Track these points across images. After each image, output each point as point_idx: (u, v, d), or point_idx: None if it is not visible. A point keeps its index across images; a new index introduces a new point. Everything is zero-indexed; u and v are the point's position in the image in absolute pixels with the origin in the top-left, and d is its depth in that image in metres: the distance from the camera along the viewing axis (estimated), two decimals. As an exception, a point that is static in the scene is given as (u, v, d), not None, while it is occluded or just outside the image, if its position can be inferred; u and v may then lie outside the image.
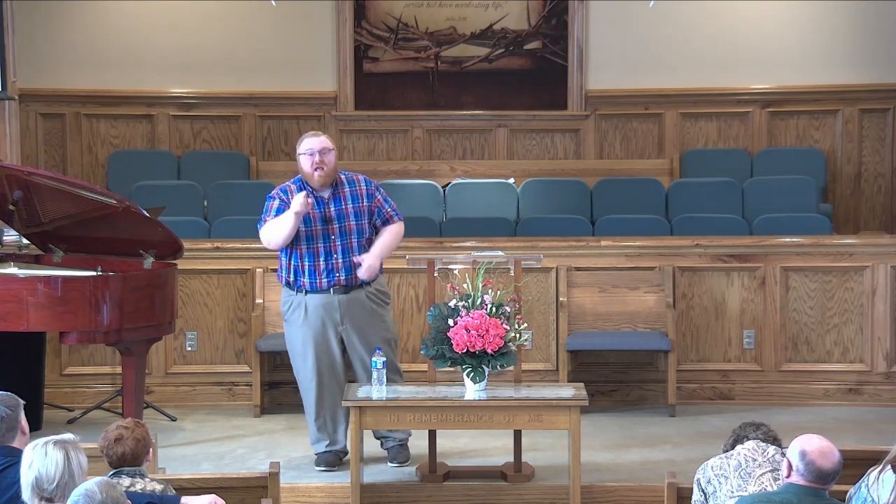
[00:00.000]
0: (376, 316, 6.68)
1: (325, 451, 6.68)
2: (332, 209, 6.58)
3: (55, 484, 4.09)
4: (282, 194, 6.61)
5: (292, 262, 6.60)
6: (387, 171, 10.32)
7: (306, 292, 6.59)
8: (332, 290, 6.57)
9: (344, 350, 6.67)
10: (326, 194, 6.60)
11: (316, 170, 6.53)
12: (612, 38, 10.84)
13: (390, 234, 6.69)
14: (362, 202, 6.64)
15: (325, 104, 10.92)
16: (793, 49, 10.79)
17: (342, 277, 6.57)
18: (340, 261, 6.56)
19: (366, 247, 6.62)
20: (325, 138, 6.60)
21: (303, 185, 6.60)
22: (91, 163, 10.82)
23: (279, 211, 6.54)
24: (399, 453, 6.74)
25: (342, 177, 6.67)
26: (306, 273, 6.57)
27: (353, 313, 6.61)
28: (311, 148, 6.55)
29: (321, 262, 6.56)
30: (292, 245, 6.55)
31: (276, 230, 6.52)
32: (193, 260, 7.68)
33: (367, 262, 6.54)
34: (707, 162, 10.59)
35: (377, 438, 6.80)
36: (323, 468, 6.66)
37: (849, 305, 8.02)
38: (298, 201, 6.39)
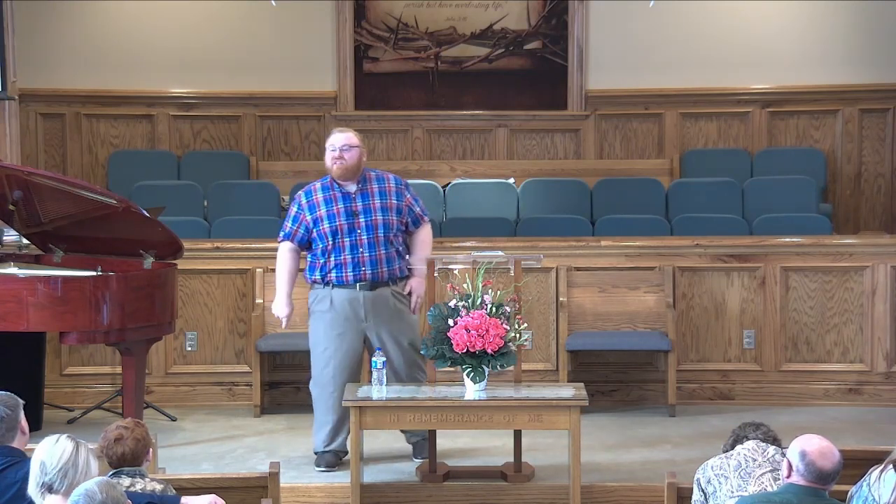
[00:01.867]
0: (402, 315, 6.71)
1: (326, 451, 6.68)
2: (359, 204, 6.65)
3: (58, 469, 4.09)
4: (303, 198, 6.71)
5: (319, 260, 6.66)
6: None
7: (333, 286, 6.63)
8: (357, 285, 6.60)
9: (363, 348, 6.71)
10: (353, 189, 6.66)
11: (335, 162, 6.62)
12: (612, 38, 10.84)
13: (425, 247, 6.79)
14: (390, 199, 6.70)
15: (325, 104, 10.92)
16: (793, 49, 10.79)
17: (368, 272, 6.61)
18: (367, 255, 6.60)
19: (393, 242, 6.66)
20: (352, 135, 6.70)
21: (331, 184, 6.68)
22: (91, 163, 10.82)
23: (295, 220, 6.68)
24: (424, 448, 6.74)
25: (371, 174, 6.75)
26: (332, 268, 6.62)
27: (379, 311, 6.64)
28: (333, 144, 6.67)
29: (347, 256, 6.60)
30: (318, 244, 6.62)
31: (276, 271, 6.82)
32: (193, 260, 7.68)
33: (417, 293, 6.73)
34: (707, 162, 10.58)
35: (403, 432, 6.82)
36: (323, 468, 6.66)
37: (849, 305, 8.02)
38: (279, 312, 6.77)
